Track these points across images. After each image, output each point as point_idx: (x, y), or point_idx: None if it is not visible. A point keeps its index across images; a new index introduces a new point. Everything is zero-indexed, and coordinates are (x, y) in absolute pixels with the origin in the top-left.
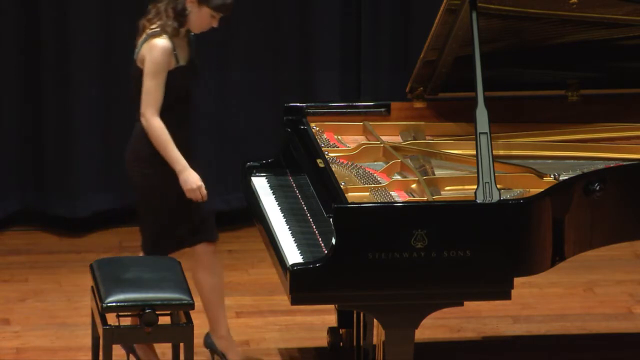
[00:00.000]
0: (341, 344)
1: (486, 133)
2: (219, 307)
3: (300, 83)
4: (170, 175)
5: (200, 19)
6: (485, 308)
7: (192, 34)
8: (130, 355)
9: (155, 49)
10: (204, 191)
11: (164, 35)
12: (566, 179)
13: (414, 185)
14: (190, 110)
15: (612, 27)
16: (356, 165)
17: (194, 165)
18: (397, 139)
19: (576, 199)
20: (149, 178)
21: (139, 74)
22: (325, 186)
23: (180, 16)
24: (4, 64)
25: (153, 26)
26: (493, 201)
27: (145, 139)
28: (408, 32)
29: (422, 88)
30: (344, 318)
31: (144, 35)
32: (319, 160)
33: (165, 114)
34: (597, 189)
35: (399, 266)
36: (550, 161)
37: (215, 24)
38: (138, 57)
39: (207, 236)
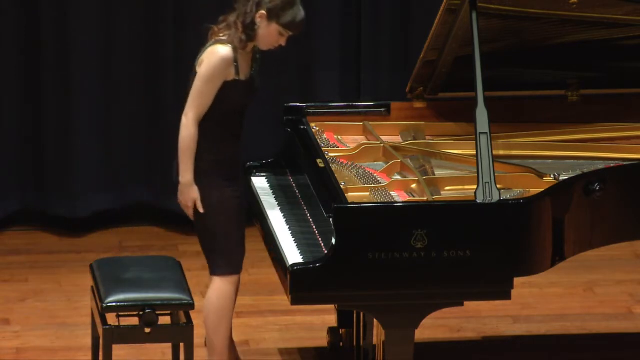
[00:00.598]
0: (341, 344)
1: (486, 133)
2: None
3: (300, 83)
4: (225, 187)
5: (269, 35)
6: (485, 308)
7: (259, 51)
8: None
9: (216, 55)
10: (190, 213)
11: (229, 45)
12: (566, 179)
13: (414, 185)
14: (242, 127)
15: (612, 27)
16: (356, 165)
17: (237, 185)
18: (397, 139)
19: (576, 199)
20: (208, 192)
21: (194, 77)
22: (325, 186)
23: (249, 30)
24: (4, 64)
25: (221, 35)
26: (493, 201)
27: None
28: (408, 32)
29: (422, 88)
30: (344, 318)
31: (210, 42)
32: (319, 160)
33: (215, 127)
34: (597, 189)
35: (399, 266)
36: (550, 161)
37: (283, 42)
38: (198, 61)
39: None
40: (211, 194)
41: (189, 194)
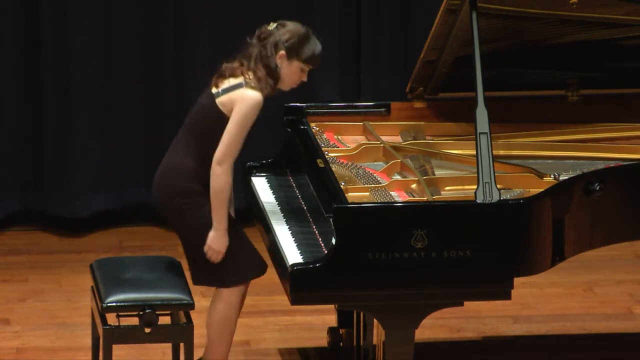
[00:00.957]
0: (341, 344)
1: (486, 133)
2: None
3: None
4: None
5: (292, 73)
6: (485, 308)
7: None
8: None
9: (252, 101)
10: (216, 253)
11: (259, 91)
12: (566, 179)
13: (414, 185)
14: None
15: (612, 27)
16: (356, 165)
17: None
18: (397, 139)
19: (576, 199)
20: (194, 211)
21: (212, 112)
22: (325, 186)
23: (275, 73)
24: (4, 64)
25: (249, 75)
26: (493, 201)
27: (181, 172)
28: (408, 32)
29: (422, 88)
30: (344, 318)
31: (234, 80)
32: (319, 160)
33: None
34: (597, 189)
35: (399, 266)
36: (550, 161)
37: (305, 78)
38: (221, 97)
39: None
40: (209, 212)
41: (224, 241)
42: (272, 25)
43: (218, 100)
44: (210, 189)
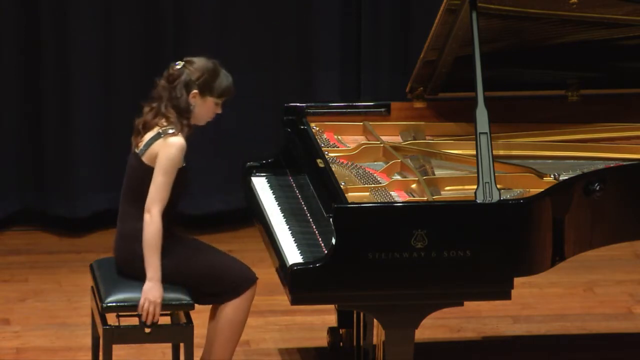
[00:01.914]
0: (341, 344)
1: (486, 133)
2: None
3: (300, 83)
4: (177, 244)
5: (207, 110)
6: (485, 308)
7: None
8: None
9: (173, 146)
10: (157, 312)
11: (179, 134)
12: (566, 179)
13: (414, 185)
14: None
15: (612, 27)
16: (356, 165)
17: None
18: (397, 139)
19: (576, 199)
20: (174, 247)
21: (141, 170)
22: (325, 186)
23: (187, 113)
24: (4, 64)
25: (165, 125)
26: (493, 201)
27: (135, 237)
28: (408, 32)
29: (422, 88)
30: (344, 318)
31: (151, 133)
32: (319, 160)
33: (168, 207)
34: (597, 189)
35: (399, 266)
36: (550, 161)
37: (219, 111)
38: (145, 153)
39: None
40: (176, 247)
41: (159, 292)
42: (180, 64)
43: (144, 158)
44: (143, 239)
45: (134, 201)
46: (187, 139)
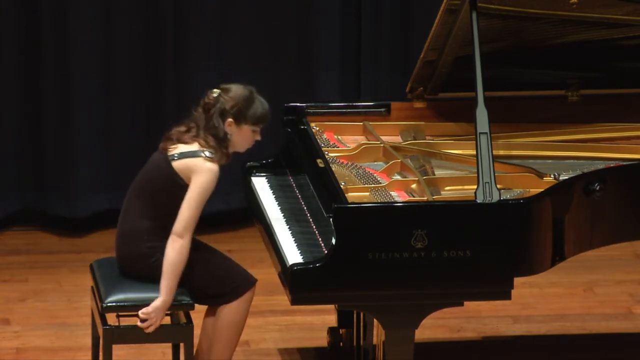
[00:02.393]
0: (341, 344)
1: (486, 133)
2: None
3: (300, 83)
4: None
5: (244, 137)
6: (485, 308)
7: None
8: None
9: (211, 173)
10: (154, 324)
11: (217, 164)
12: (566, 179)
13: (414, 185)
14: None
15: (612, 27)
16: (356, 165)
17: None
18: (397, 139)
19: (576, 199)
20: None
21: (167, 174)
22: (325, 186)
23: (225, 142)
24: (4, 64)
25: (204, 145)
26: (493, 201)
27: (139, 236)
28: (408, 32)
29: (422, 88)
30: (344, 318)
31: (189, 147)
32: (319, 160)
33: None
34: (597, 189)
35: (399, 266)
36: (550, 161)
37: (258, 137)
38: (178, 162)
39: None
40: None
41: (163, 311)
42: (216, 92)
43: (174, 164)
44: (166, 260)
45: (143, 197)
46: (222, 167)
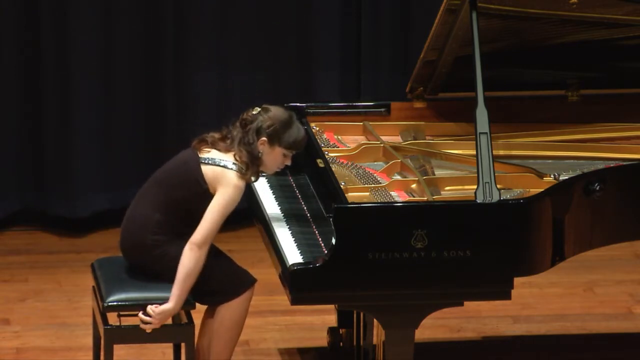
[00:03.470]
0: (341, 344)
1: (486, 133)
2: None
3: (300, 83)
4: (182, 238)
5: (274, 159)
6: (485, 308)
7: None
8: None
9: (238, 189)
10: (154, 326)
11: (244, 180)
12: (566, 179)
13: (414, 185)
14: None
15: (612, 27)
16: (356, 165)
17: None
18: (397, 139)
19: (576, 199)
20: (170, 254)
21: (193, 174)
22: (325, 186)
23: (257, 160)
24: (4, 64)
25: (237, 158)
26: (493, 201)
27: (147, 226)
28: (408, 32)
29: (422, 88)
30: (344, 318)
31: (224, 155)
32: (319, 160)
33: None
34: (597, 189)
35: (399, 266)
36: (550, 161)
37: (288, 162)
38: (208, 167)
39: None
40: (176, 244)
41: (170, 313)
42: (256, 110)
43: (203, 167)
44: (181, 267)
45: (160, 188)
46: (248, 185)
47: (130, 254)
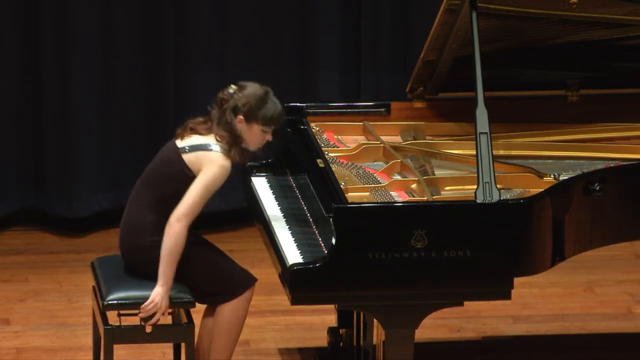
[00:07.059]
0: (341, 344)
1: (486, 133)
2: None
3: (300, 83)
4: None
5: (254, 136)
6: (485, 308)
7: None
8: None
9: (222, 167)
10: (158, 317)
11: (229, 160)
12: (566, 179)
13: (414, 185)
14: None
15: (612, 27)
16: (356, 165)
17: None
18: (397, 139)
19: (576, 199)
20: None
21: (176, 166)
22: (325, 186)
23: (238, 139)
24: (4, 64)
25: (219, 140)
26: (493, 201)
27: (143, 228)
28: (408, 32)
29: (422, 88)
30: (344, 318)
31: (203, 138)
32: (319, 160)
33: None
34: (597, 189)
35: (399, 266)
36: (550, 161)
37: (269, 138)
38: (189, 154)
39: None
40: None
41: (165, 300)
42: (232, 88)
43: (185, 156)
44: (162, 247)
45: (149, 188)
46: (238, 164)
47: (131, 259)
